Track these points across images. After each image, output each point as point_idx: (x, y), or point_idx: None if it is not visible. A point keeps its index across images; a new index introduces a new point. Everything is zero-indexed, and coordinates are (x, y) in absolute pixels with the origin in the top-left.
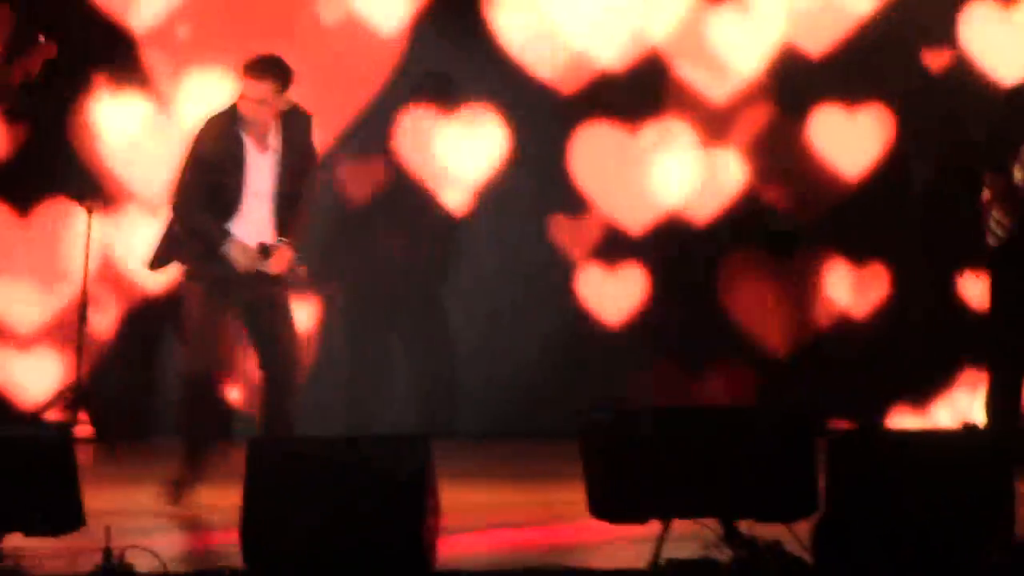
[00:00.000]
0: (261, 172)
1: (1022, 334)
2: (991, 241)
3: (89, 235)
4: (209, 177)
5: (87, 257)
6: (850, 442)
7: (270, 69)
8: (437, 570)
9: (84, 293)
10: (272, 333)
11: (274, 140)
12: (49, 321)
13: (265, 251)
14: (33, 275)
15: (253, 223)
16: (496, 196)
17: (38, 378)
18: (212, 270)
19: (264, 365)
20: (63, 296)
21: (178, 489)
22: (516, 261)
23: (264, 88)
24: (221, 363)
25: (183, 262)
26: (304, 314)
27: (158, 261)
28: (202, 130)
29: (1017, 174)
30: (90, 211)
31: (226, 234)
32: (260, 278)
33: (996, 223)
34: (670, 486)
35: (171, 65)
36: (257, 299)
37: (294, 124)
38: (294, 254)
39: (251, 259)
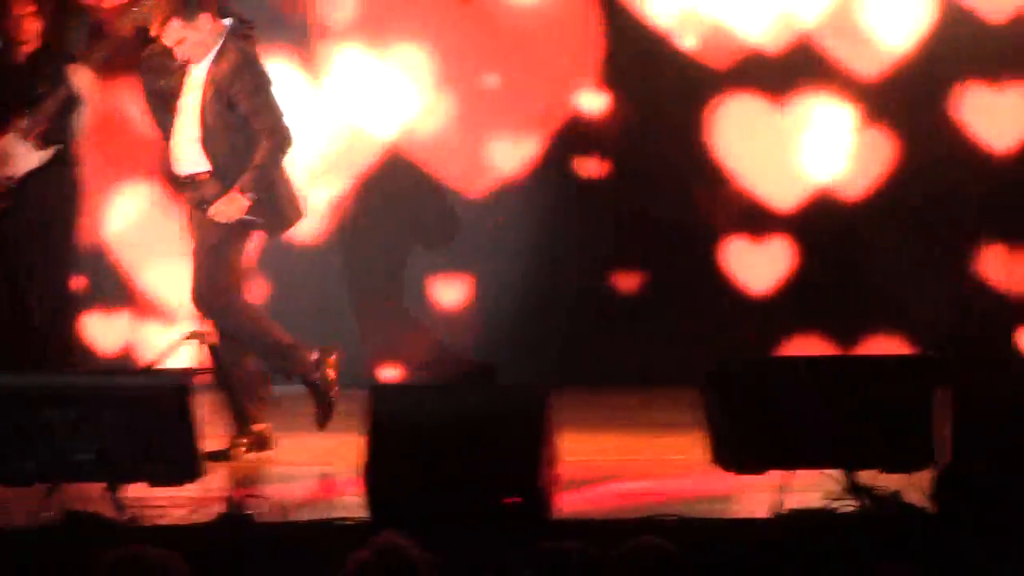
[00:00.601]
0: (187, 102)
1: None
2: None
3: None
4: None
5: None
6: (975, 390)
7: (162, 15)
8: (555, 519)
9: None
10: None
11: (200, 73)
12: None
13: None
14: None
15: (179, 155)
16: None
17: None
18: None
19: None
20: None
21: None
22: (654, 227)
23: (173, 32)
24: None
25: None
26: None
27: None
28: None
29: None
30: None
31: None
32: (200, 220)
33: None
34: (792, 436)
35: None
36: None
37: (223, 59)
38: (241, 199)
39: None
